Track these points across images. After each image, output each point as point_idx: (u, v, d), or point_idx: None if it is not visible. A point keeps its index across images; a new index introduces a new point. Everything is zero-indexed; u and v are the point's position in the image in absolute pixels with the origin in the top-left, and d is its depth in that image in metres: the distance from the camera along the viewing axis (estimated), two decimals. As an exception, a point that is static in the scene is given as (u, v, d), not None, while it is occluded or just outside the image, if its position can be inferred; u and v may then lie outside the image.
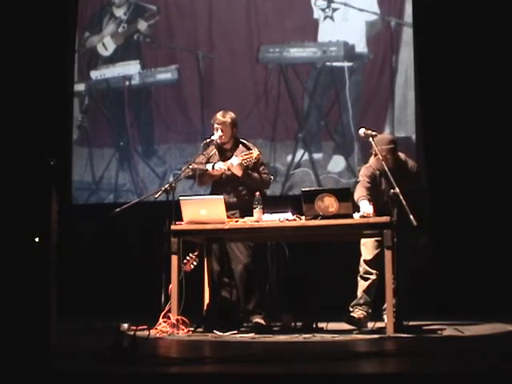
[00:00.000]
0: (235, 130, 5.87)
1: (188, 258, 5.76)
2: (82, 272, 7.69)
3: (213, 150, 5.92)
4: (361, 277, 5.64)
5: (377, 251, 5.59)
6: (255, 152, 5.68)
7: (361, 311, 5.55)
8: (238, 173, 5.69)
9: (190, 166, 5.89)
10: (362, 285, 5.61)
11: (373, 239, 5.59)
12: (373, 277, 5.58)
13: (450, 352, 4.18)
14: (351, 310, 5.58)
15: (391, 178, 5.33)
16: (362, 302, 5.58)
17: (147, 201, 6.37)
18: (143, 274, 7.02)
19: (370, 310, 5.58)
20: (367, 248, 5.64)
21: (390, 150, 5.62)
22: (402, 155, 5.82)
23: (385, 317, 5.41)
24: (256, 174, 5.78)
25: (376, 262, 5.57)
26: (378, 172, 5.72)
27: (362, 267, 5.63)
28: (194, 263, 5.77)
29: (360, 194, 5.53)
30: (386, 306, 5.40)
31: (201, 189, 6.61)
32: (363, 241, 5.66)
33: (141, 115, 8.43)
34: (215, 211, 5.43)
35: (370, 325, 5.52)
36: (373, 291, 5.59)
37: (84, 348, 4.00)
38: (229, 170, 5.73)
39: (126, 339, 3.68)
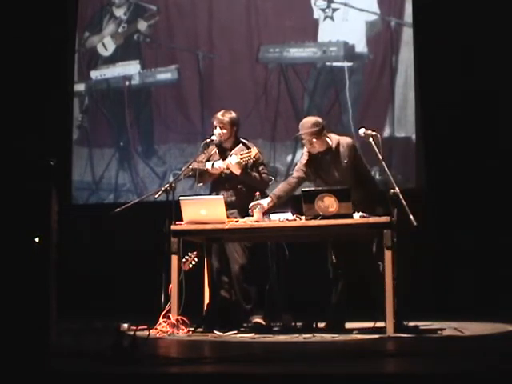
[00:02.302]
0: (235, 129, 5.87)
1: (187, 256, 5.76)
2: (82, 272, 7.69)
3: (213, 149, 5.93)
4: (332, 279, 5.62)
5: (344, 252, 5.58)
6: (254, 151, 5.69)
7: (336, 315, 5.55)
8: (237, 171, 5.69)
9: (190, 166, 5.89)
10: (335, 288, 5.60)
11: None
12: (343, 279, 5.56)
13: (450, 352, 4.18)
14: (328, 315, 5.58)
15: (391, 177, 5.34)
16: (335, 305, 5.57)
17: (147, 201, 6.37)
18: (143, 274, 7.01)
19: (344, 312, 5.58)
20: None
21: (313, 134, 5.48)
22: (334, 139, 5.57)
23: None
24: (255, 174, 5.78)
25: (344, 263, 5.55)
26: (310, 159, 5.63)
27: (331, 270, 5.62)
28: (193, 262, 5.77)
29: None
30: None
31: (201, 189, 6.61)
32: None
33: (141, 115, 8.43)
34: (215, 211, 5.43)
35: (370, 324, 5.51)
36: (346, 293, 5.57)
37: (84, 348, 4.00)
38: (228, 168, 5.73)
39: (126, 339, 3.68)
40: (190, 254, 5.78)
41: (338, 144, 5.56)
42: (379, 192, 5.54)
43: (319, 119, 5.57)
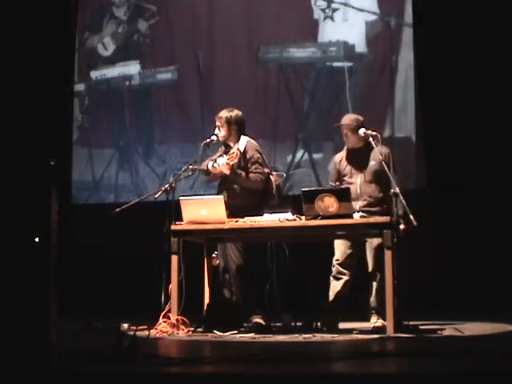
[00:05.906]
0: (234, 128, 5.80)
1: (216, 252, 5.77)
2: (82, 272, 7.69)
3: (222, 148, 5.92)
4: (333, 277, 5.63)
5: (349, 252, 5.59)
6: (234, 148, 5.65)
7: (333, 314, 5.56)
8: (226, 171, 5.65)
9: (190, 166, 5.88)
10: (335, 285, 5.61)
11: (345, 240, 5.60)
12: (346, 277, 5.57)
13: (450, 352, 4.17)
14: (324, 312, 5.59)
15: (391, 177, 5.34)
16: (334, 304, 5.58)
17: (147, 201, 6.36)
18: (143, 274, 7.02)
19: (341, 311, 5.59)
20: (339, 249, 5.64)
21: (349, 128, 5.62)
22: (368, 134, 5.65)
23: (372, 317, 5.45)
24: (243, 173, 5.68)
25: (347, 263, 5.58)
26: (340, 159, 5.76)
27: (335, 267, 5.63)
28: None
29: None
30: (372, 305, 5.47)
31: (201, 189, 6.62)
32: (336, 241, 5.65)
33: (141, 115, 8.43)
34: (215, 211, 5.43)
35: (371, 324, 5.51)
36: (346, 291, 5.58)
37: (84, 348, 4.00)
38: None
39: (126, 339, 3.68)
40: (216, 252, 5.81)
41: (373, 148, 5.61)
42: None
43: (360, 117, 5.73)
